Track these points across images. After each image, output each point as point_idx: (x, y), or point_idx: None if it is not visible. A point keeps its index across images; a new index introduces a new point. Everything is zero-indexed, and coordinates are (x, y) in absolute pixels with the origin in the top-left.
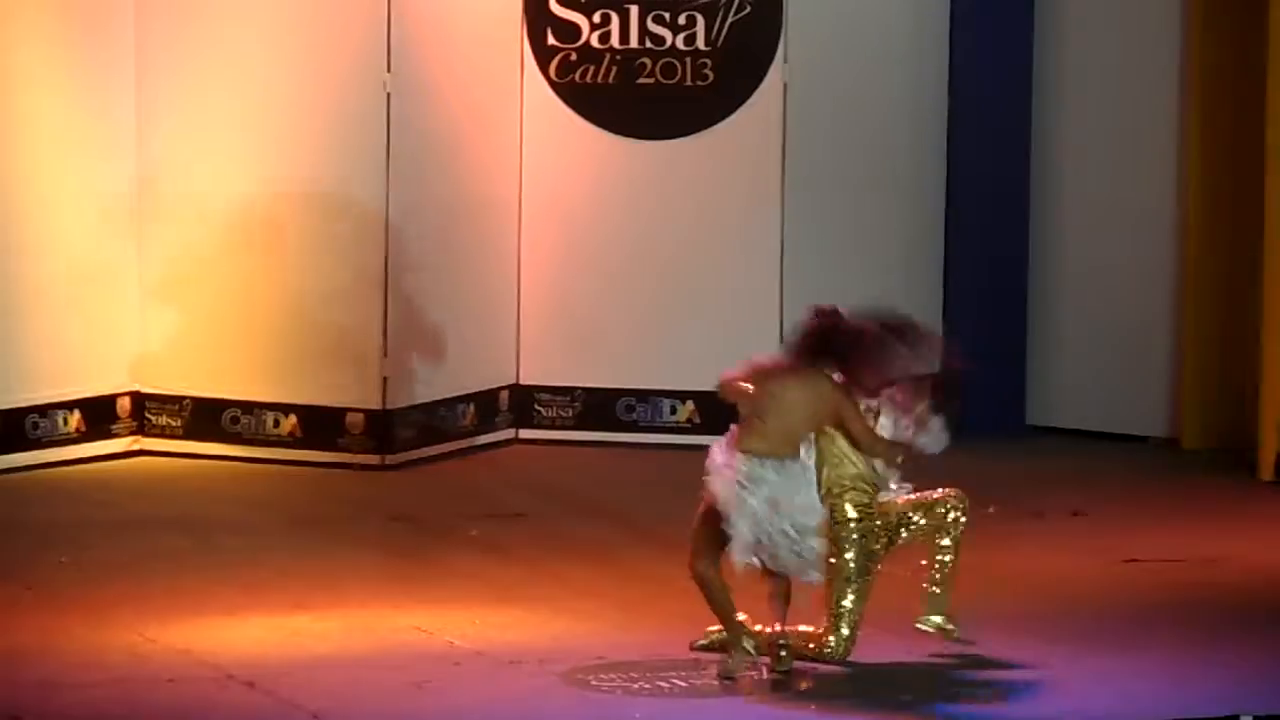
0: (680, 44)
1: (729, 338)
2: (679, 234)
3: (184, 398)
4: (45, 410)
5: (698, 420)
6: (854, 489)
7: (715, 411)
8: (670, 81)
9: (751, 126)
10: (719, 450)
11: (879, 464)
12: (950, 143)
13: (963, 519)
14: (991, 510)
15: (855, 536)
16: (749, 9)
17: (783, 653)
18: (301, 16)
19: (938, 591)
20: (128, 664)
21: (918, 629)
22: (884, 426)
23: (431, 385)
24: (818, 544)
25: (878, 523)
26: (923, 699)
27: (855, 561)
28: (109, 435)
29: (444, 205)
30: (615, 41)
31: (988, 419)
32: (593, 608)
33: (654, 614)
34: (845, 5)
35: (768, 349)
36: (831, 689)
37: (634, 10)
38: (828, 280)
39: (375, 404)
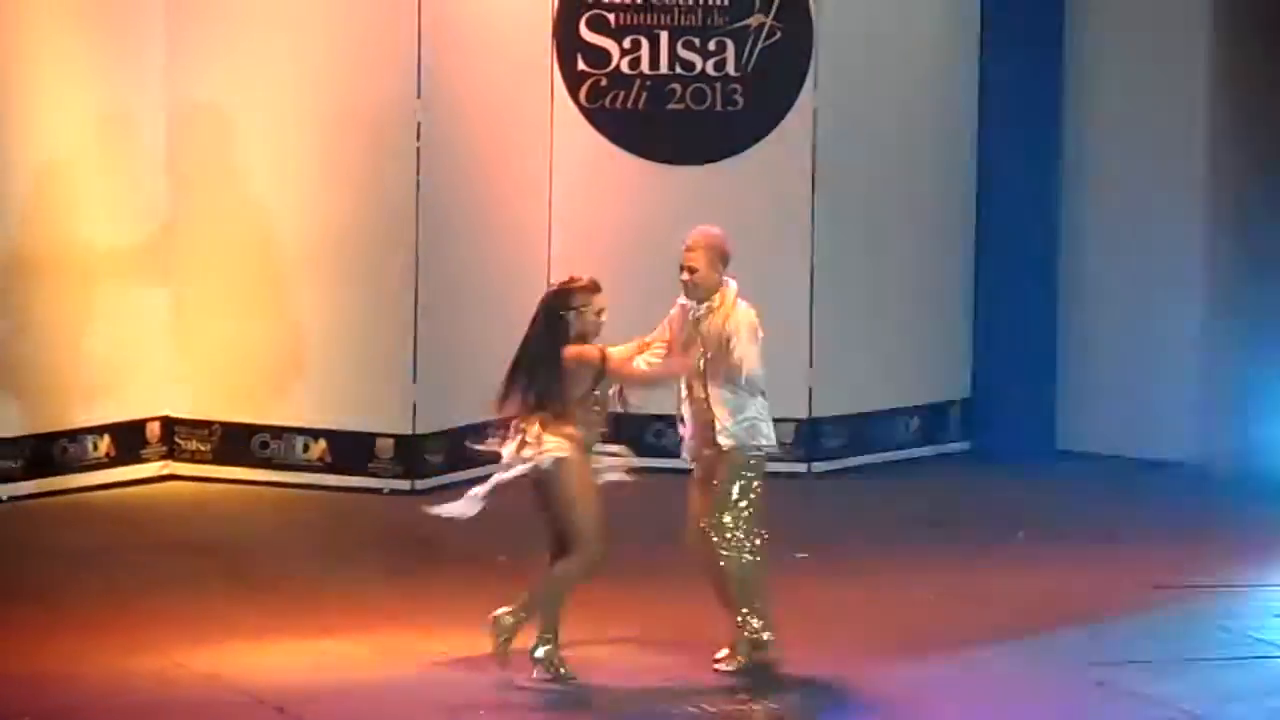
0: (710, 69)
1: None
2: None
3: (213, 423)
4: (75, 435)
5: None
6: None
7: None
8: (700, 107)
9: (781, 151)
10: None
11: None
12: (980, 168)
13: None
14: (1021, 536)
15: None
16: (779, 35)
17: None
18: (332, 45)
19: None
20: (156, 689)
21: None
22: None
23: (461, 410)
24: None
25: None
26: None
27: None
28: (139, 460)
29: (474, 230)
30: (645, 67)
31: (1019, 443)
32: (621, 632)
33: (682, 638)
34: (875, 30)
35: (797, 370)
36: (854, 711)
37: (664, 36)
38: (857, 304)
39: (405, 429)
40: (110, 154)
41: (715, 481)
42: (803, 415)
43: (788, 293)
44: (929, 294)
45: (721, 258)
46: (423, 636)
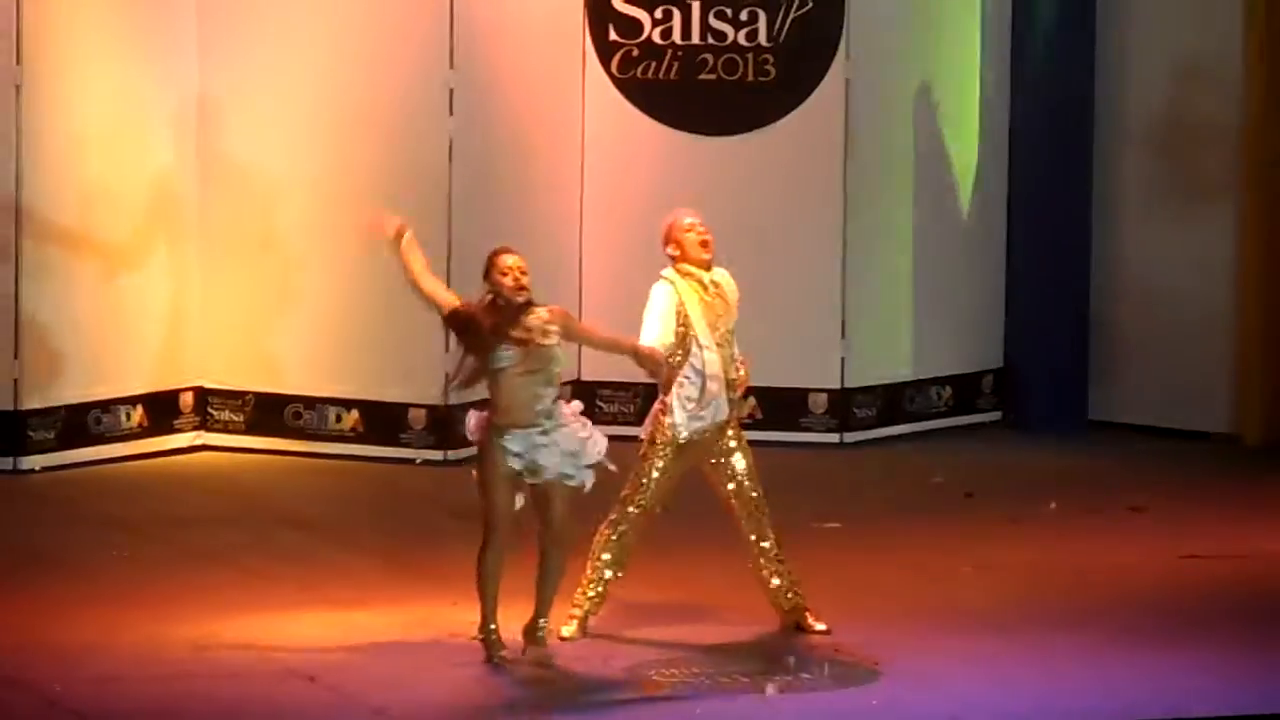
0: (742, 40)
1: (790, 333)
2: (740, 229)
3: (246, 393)
4: (108, 405)
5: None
6: None
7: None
8: (732, 77)
9: (814, 122)
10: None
11: None
12: (1013, 138)
13: None
14: (1053, 506)
15: None
16: (811, 5)
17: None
18: (365, 14)
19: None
20: (189, 659)
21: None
22: None
23: None
24: None
25: None
26: (978, 694)
27: None
28: (172, 430)
29: (506, 201)
30: (677, 37)
31: (1049, 414)
32: (655, 602)
33: (717, 609)
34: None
35: (829, 341)
36: (888, 683)
37: (696, 6)
38: (889, 275)
39: (437, 400)
40: (143, 126)
41: None
42: (835, 386)
43: (820, 264)
44: (961, 264)
45: None
46: (455, 607)
